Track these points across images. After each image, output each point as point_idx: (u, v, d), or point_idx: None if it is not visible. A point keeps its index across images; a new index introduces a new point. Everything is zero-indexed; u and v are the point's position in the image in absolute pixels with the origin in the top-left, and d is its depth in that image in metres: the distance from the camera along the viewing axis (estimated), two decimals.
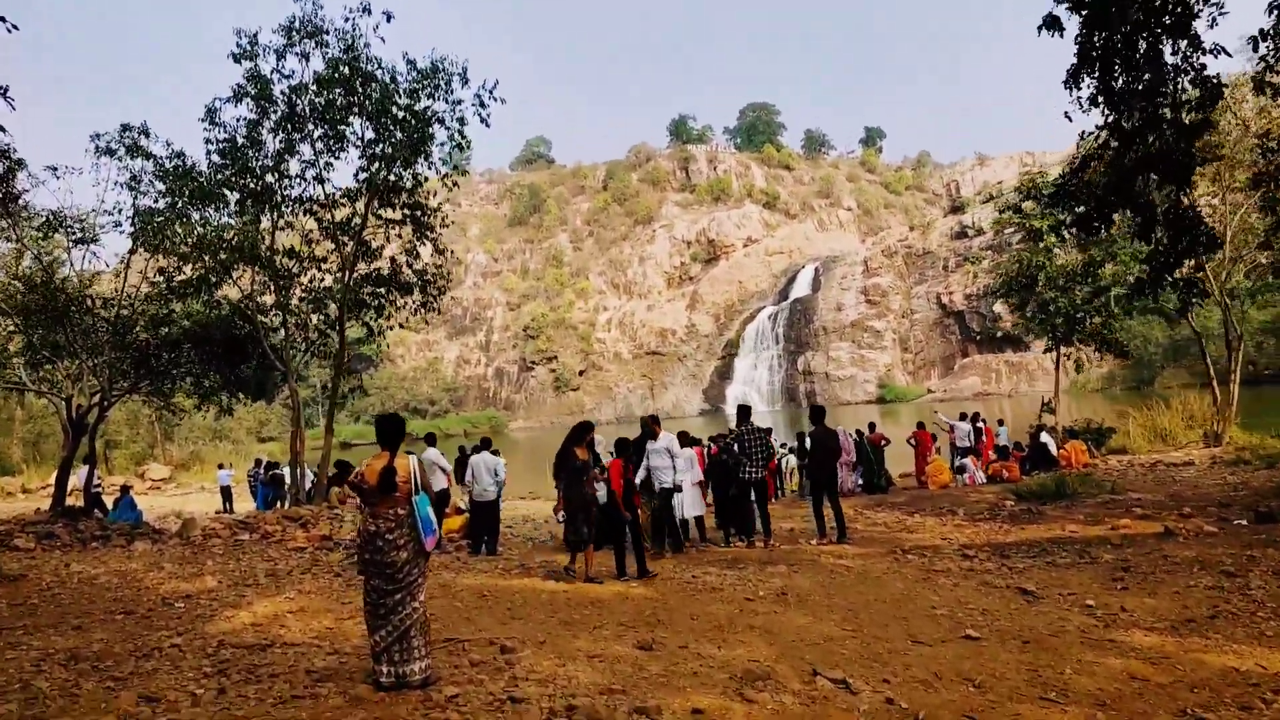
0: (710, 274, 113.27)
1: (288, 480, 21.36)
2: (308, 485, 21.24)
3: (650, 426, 11.19)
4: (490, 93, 13.47)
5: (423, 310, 15.55)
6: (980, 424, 23.35)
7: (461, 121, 13.87)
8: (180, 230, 14.71)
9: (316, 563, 11.03)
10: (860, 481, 20.25)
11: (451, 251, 16.92)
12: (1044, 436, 22.39)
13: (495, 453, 13.48)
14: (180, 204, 14.45)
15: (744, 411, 12.24)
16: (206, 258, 14.95)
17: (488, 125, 13.67)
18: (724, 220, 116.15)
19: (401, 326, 16.78)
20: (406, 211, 14.91)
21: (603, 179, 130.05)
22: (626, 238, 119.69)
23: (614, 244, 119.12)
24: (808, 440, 13.70)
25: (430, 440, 13.69)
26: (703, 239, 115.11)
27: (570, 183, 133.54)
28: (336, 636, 7.24)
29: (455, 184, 14.51)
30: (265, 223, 15.48)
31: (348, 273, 14.86)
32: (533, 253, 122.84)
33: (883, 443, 20.27)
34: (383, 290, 15.44)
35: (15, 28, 7.79)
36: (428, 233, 15.03)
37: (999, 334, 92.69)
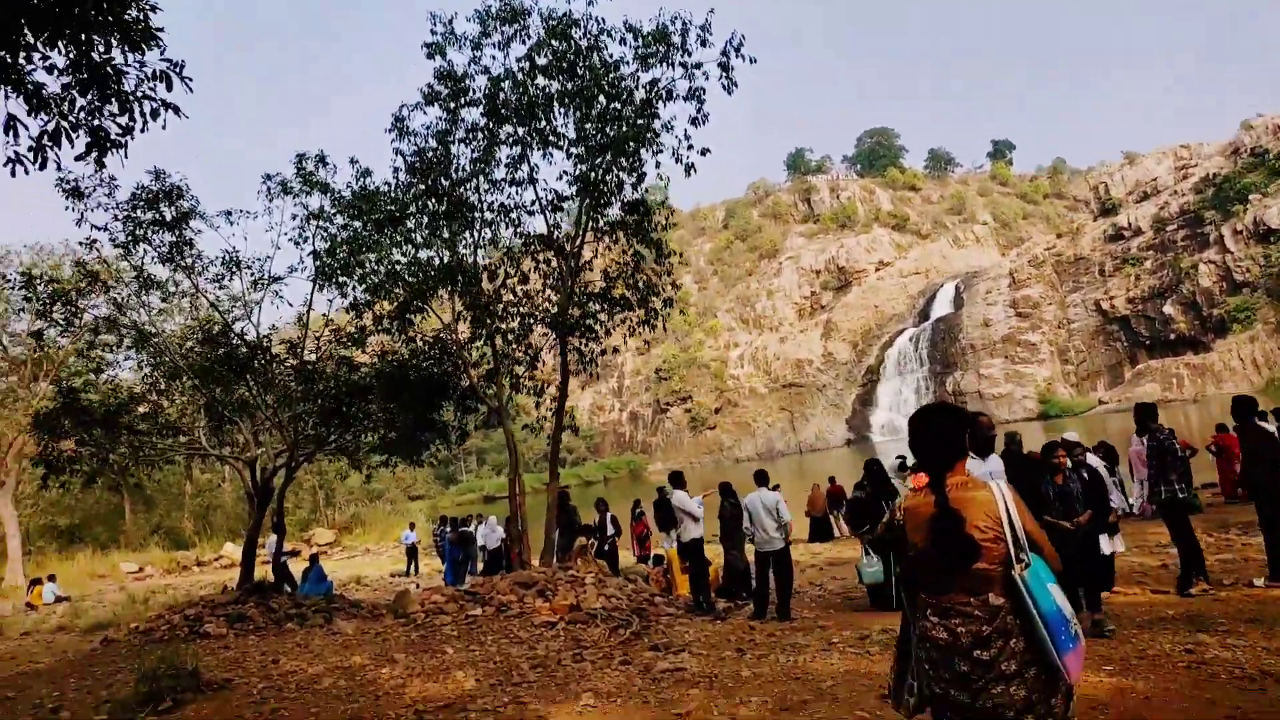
0: (843, 301, 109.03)
1: (479, 539, 19.31)
2: (495, 543, 19.11)
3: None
4: (738, 50, 10.98)
5: (643, 328, 13.09)
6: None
7: (697, 95, 11.37)
8: (371, 259, 12.82)
9: (580, 644, 8.53)
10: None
11: (681, 254, 14.42)
12: None
13: (775, 488, 10.72)
14: (368, 231, 12.57)
15: (1148, 412, 9.04)
16: (400, 288, 12.98)
17: (730, 91, 11.05)
18: (852, 246, 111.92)
19: (615, 351, 14.41)
20: (624, 213, 12.49)
21: (723, 218, 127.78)
22: (752, 273, 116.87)
23: (739, 280, 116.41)
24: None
25: (677, 481, 11.14)
26: (832, 266, 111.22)
27: (690, 225, 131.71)
28: None
29: (693, 168, 11.91)
30: (465, 241, 13.42)
31: (568, 289, 12.50)
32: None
33: (1187, 451, 16.39)
34: (596, 308, 13.02)
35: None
36: (651, 235, 12.61)
37: (1172, 336, 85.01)
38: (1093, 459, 9.36)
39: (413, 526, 25.78)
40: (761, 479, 10.25)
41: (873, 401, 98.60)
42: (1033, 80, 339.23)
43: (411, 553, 24.18)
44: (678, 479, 11.11)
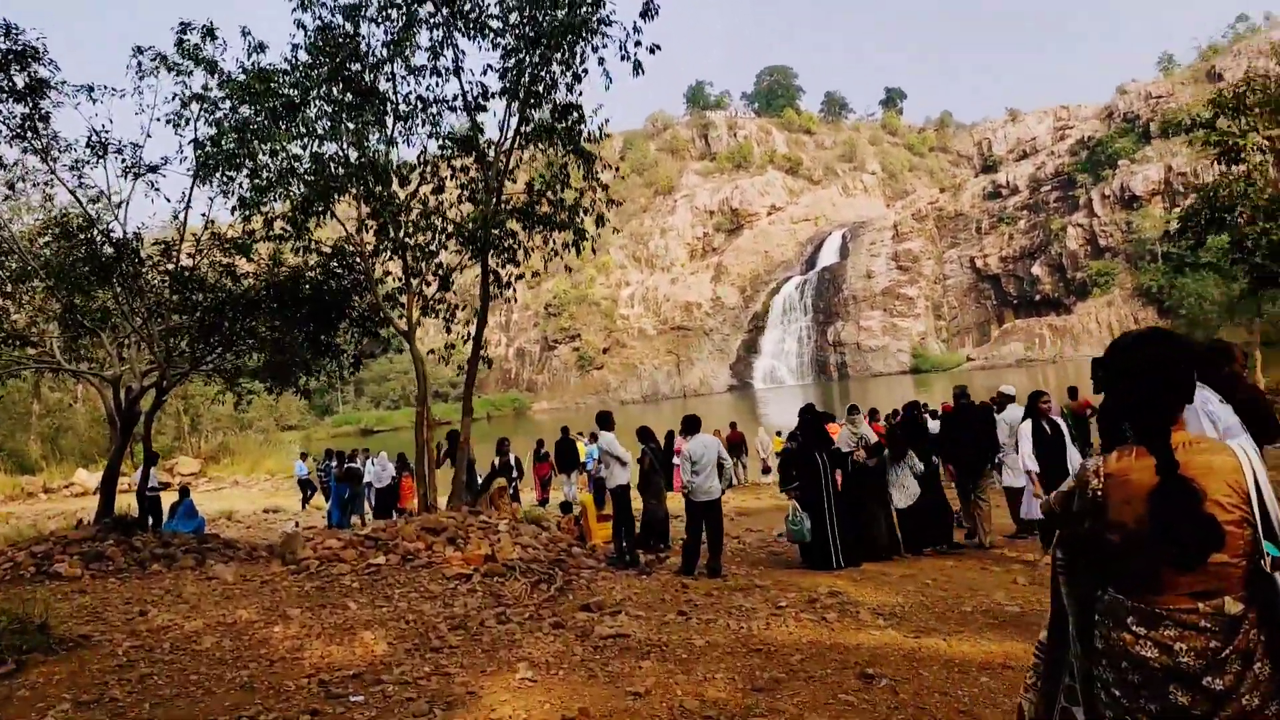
0: (734, 244, 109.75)
1: (367, 474, 18.04)
2: (385, 481, 17.88)
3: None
4: None
5: (569, 250, 12.00)
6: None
7: None
8: (264, 150, 11.10)
9: (500, 600, 7.65)
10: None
11: (616, 169, 13.19)
12: None
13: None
14: (261, 118, 10.86)
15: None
16: (297, 186, 11.32)
17: None
18: (746, 188, 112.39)
19: (535, 275, 13.32)
20: (554, 118, 11.16)
21: (620, 149, 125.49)
22: (647, 209, 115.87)
23: (634, 216, 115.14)
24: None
25: (605, 422, 10.22)
26: (725, 208, 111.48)
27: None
28: None
29: (641, 67, 10.65)
30: (377, 137, 11.80)
31: (491, 201, 11.14)
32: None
33: (1088, 411, 16.43)
34: (517, 226, 11.80)
35: None
36: (583, 145, 11.40)
37: (1037, 297, 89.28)
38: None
39: (304, 457, 24.12)
40: (695, 424, 9.47)
41: (757, 349, 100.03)
42: (930, 29, 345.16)
43: (304, 486, 22.64)
44: (606, 420, 10.16)
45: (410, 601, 7.58)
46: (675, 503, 11.62)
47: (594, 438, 22.12)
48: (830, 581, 8.13)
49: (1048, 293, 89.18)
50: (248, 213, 11.40)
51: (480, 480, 12.96)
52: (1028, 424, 8.14)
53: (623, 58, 10.40)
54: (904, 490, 9.65)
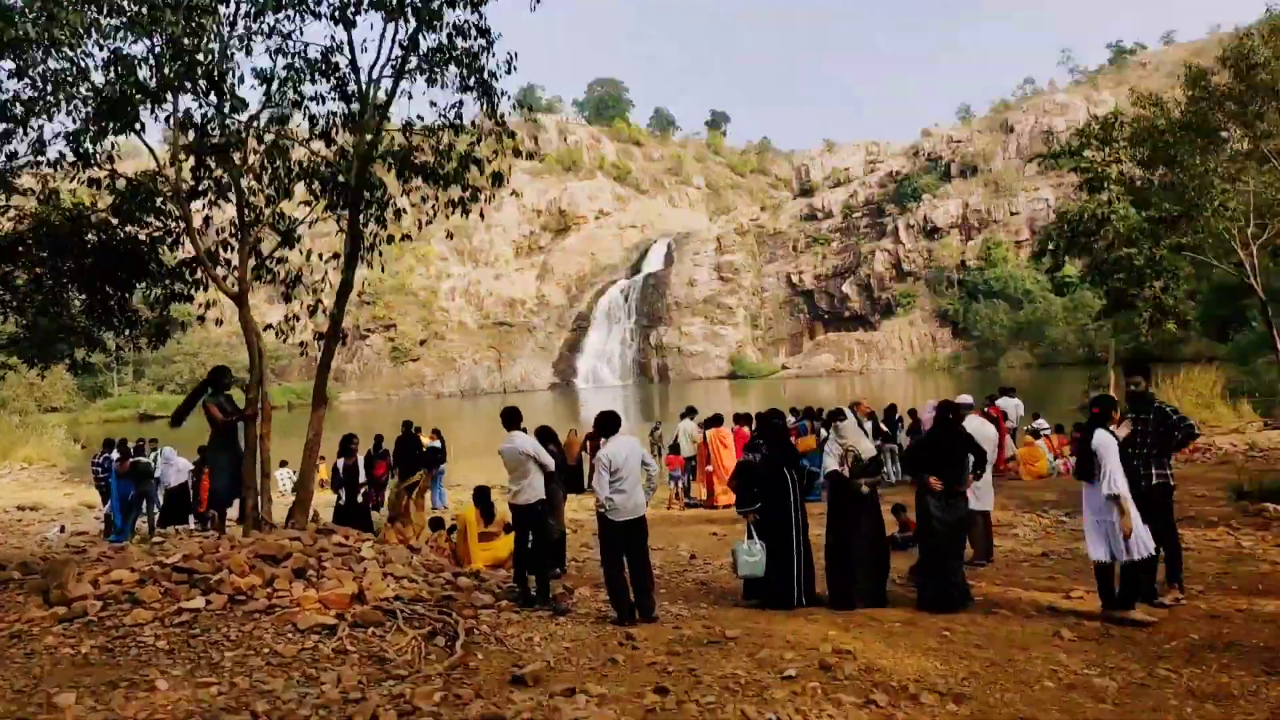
0: (561, 245, 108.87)
1: (158, 471, 14.72)
2: (175, 479, 14.60)
3: None
4: None
5: (454, 210, 9.74)
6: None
7: None
8: (40, 41, 7.84)
9: (386, 667, 5.43)
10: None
11: (530, 109, 10.93)
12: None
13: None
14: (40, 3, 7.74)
15: (1147, 375, 7.32)
16: (84, 91, 8.15)
17: None
18: (576, 191, 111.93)
19: (406, 238, 10.88)
20: (452, 32, 8.67)
21: (446, 144, 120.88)
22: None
23: (459, 209, 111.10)
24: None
25: (512, 420, 7.99)
26: (554, 209, 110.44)
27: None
28: None
29: None
30: (208, 33, 8.59)
31: (367, 141, 8.57)
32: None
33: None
34: (390, 177, 9.37)
35: None
36: (489, 79, 9.13)
37: (847, 314, 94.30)
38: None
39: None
40: (614, 423, 7.35)
41: (580, 348, 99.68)
42: (753, 59, 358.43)
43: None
44: (513, 417, 7.98)
45: (253, 676, 5.19)
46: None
47: (436, 434, 19.57)
48: (816, 631, 6.35)
49: (856, 310, 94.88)
50: (10, 128, 8.24)
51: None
52: (1106, 436, 6.60)
53: None
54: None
